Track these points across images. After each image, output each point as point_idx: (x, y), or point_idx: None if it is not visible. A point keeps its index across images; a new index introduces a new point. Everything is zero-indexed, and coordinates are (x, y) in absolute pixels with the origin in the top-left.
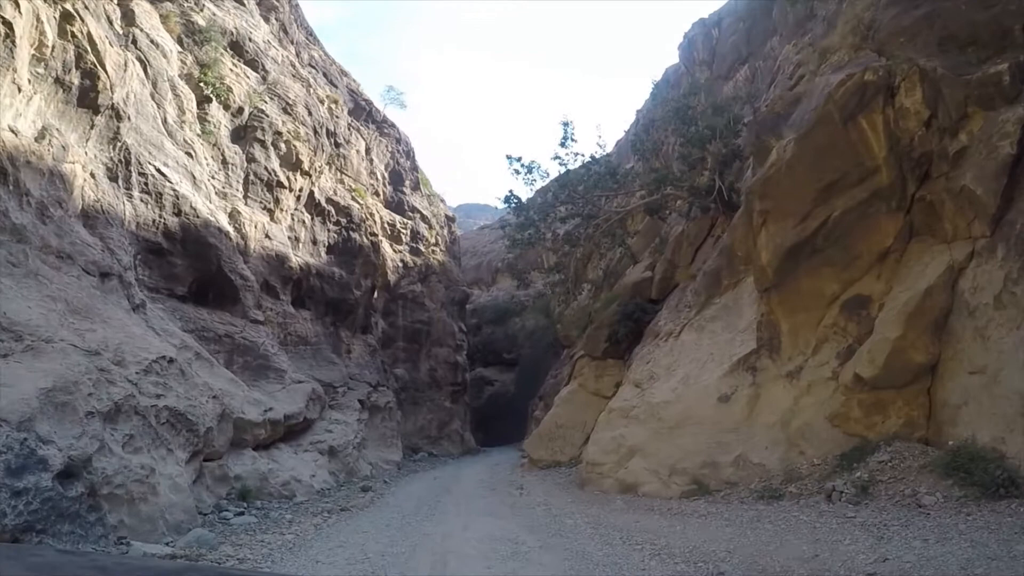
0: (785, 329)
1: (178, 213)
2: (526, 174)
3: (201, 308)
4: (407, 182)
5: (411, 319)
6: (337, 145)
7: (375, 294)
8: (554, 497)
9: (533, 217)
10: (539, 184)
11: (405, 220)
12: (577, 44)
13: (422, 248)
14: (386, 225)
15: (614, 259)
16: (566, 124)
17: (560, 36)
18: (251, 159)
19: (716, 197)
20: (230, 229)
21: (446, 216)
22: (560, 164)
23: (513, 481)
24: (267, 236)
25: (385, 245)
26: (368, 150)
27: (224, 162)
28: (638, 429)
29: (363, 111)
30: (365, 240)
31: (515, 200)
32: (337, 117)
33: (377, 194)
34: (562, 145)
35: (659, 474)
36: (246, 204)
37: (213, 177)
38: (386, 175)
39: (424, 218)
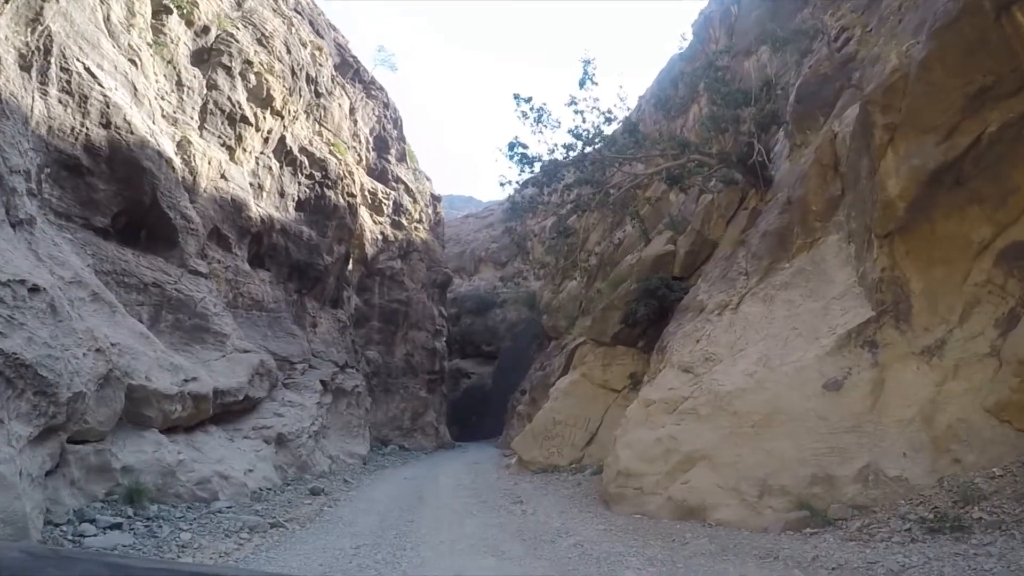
0: (917, 289)
1: (107, 124)
2: (535, 121)
3: (126, 248)
4: (392, 151)
5: (388, 297)
6: (318, 95)
7: (349, 264)
8: (575, 520)
9: (539, 177)
10: (548, 135)
11: (388, 190)
12: (576, 45)
13: (404, 222)
14: (367, 192)
15: (612, 244)
16: (586, 63)
17: (560, 36)
18: (212, 86)
19: (754, 163)
20: (175, 158)
21: (431, 195)
22: (576, 112)
23: (505, 489)
24: (223, 177)
25: (364, 213)
26: (352, 110)
27: (179, 83)
28: (698, 428)
29: (350, 68)
30: (341, 200)
31: (520, 149)
32: (320, 65)
33: (360, 159)
34: (581, 86)
35: (741, 493)
36: (201, 136)
37: (163, 98)
38: (370, 140)
39: (409, 191)
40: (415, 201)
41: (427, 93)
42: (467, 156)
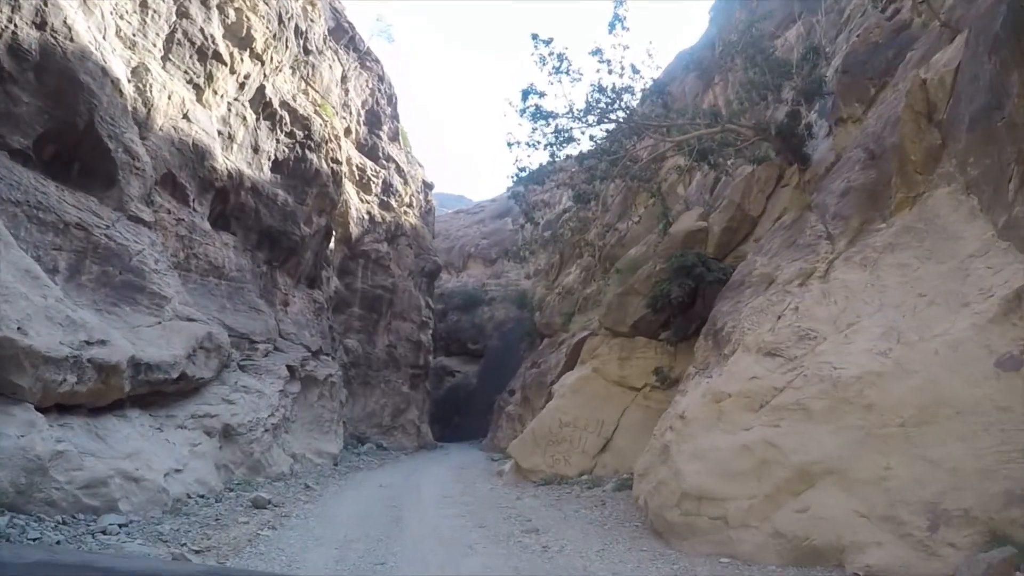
0: None
1: (41, 25)
2: (554, 70)
3: (49, 180)
4: (385, 128)
5: (372, 283)
6: (307, 52)
7: (331, 243)
8: (628, 567)
9: (552, 138)
10: (567, 88)
11: (378, 168)
12: (577, 45)
13: (393, 204)
14: (355, 167)
15: (615, 236)
16: (618, 2)
17: (561, 36)
18: (183, 14)
19: (795, 137)
20: (125, 84)
21: (424, 181)
22: (601, 61)
23: (507, 507)
24: (186, 117)
25: (351, 189)
26: (344, 78)
27: (144, 4)
28: (810, 429)
29: (344, 34)
30: (325, 165)
31: (535, 99)
32: (312, 21)
33: (349, 131)
34: (610, 30)
35: (900, 524)
36: (163, 68)
37: (121, 16)
38: (362, 113)
39: (400, 171)
40: (406, 183)
41: (427, 93)
42: (466, 156)
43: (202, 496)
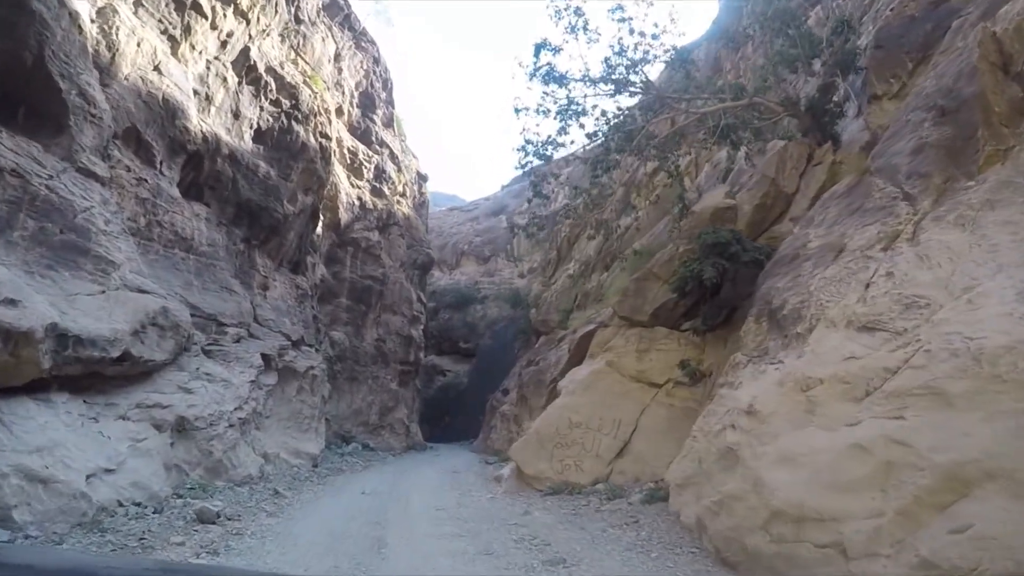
0: None
1: None
2: (569, 27)
3: None
4: (379, 112)
5: (361, 272)
6: (298, 21)
7: (318, 226)
8: None
9: (565, 105)
10: (582, 47)
11: (370, 153)
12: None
13: (386, 191)
14: (346, 150)
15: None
16: None
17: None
18: None
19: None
20: (87, 19)
21: (418, 173)
22: (621, 20)
23: (516, 525)
24: (157, 69)
25: (341, 172)
26: (338, 57)
27: None
28: (952, 419)
29: (340, 11)
30: (312, 140)
31: (549, 57)
32: None
33: (341, 112)
34: None
35: None
36: (135, 13)
37: None
38: (355, 94)
39: (394, 157)
40: (400, 171)
41: (425, 93)
42: (464, 156)
43: (138, 504)
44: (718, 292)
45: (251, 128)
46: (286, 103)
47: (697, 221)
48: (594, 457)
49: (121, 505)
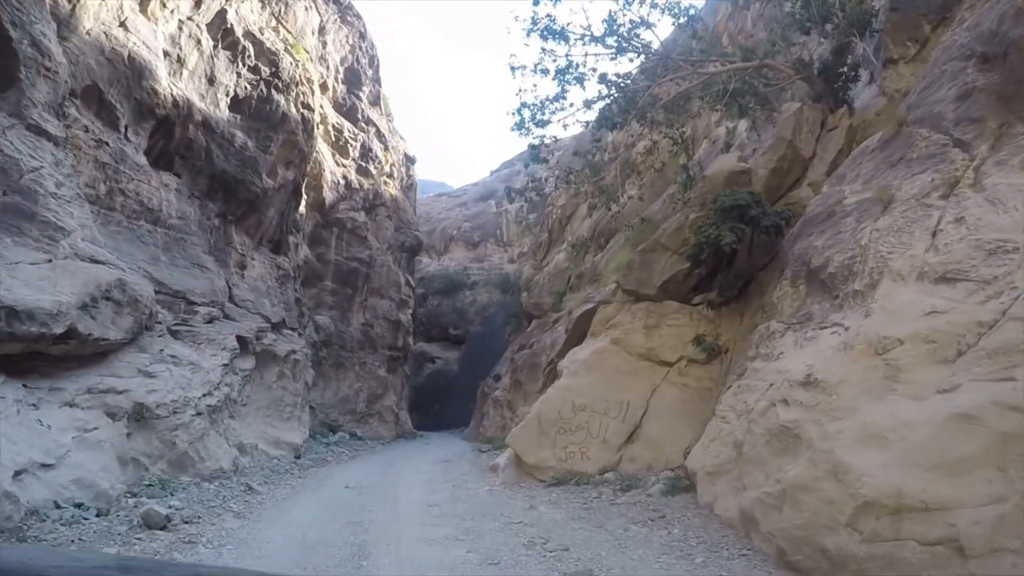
0: None
1: None
2: None
3: None
4: (365, 89)
5: (347, 254)
6: None
7: (300, 205)
8: None
9: (564, 65)
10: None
11: (356, 131)
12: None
13: (372, 170)
14: (331, 127)
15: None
16: None
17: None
18: None
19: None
20: None
21: (405, 155)
22: None
23: (524, 524)
24: (123, 25)
25: (325, 150)
26: (322, 30)
27: None
28: None
29: None
30: (294, 110)
31: (549, 6)
32: None
33: (326, 87)
34: None
35: None
36: None
37: None
38: (340, 70)
39: (380, 136)
40: (387, 150)
41: (424, 91)
42: (465, 155)
43: (79, 506)
44: (732, 262)
45: (227, 96)
46: (266, 71)
47: (710, 186)
48: (601, 443)
49: (58, 507)
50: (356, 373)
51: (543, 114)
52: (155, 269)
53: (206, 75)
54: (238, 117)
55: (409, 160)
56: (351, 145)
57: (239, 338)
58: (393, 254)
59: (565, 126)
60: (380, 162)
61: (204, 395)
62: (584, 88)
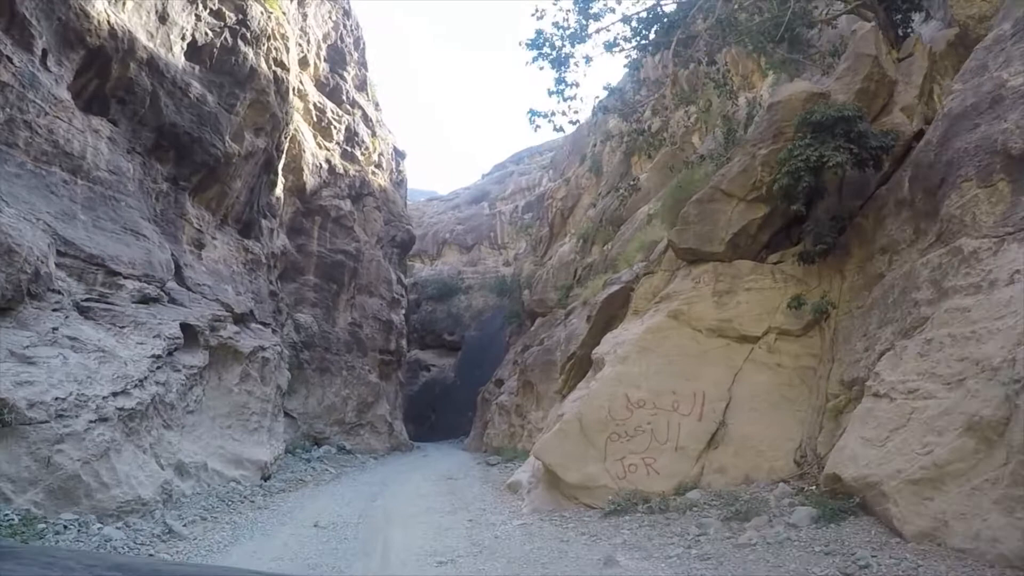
0: None
1: None
2: None
3: None
4: (350, 71)
5: (331, 246)
6: None
7: (276, 185)
8: None
9: None
10: None
11: (340, 112)
12: None
13: (359, 156)
14: (312, 106)
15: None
16: None
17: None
18: None
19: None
20: None
21: (395, 148)
22: None
23: None
24: None
25: (307, 131)
26: (302, 2)
27: None
28: None
29: None
30: (264, 66)
31: None
32: None
33: (306, 63)
34: None
35: None
36: None
37: None
38: (323, 46)
39: (368, 120)
40: (375, 136)
41: (430, 92)
42: (469, 155)
43: None
44: (806, 212)
45: (183, 40)
46: (231, 17)
47: (784, 112)
48: (673, 450)
49: None
50: (343, 379)
51: (562, 48)
52: (65, 227)
53: (156, 10)
54: (196, 68)
55: (399, 154)
56: (335, 127)
57: (185, 326)
58: (383, 249)
59: (550, 148)
60: (367, 148)
61: (114, 394)
62: (605, 22)
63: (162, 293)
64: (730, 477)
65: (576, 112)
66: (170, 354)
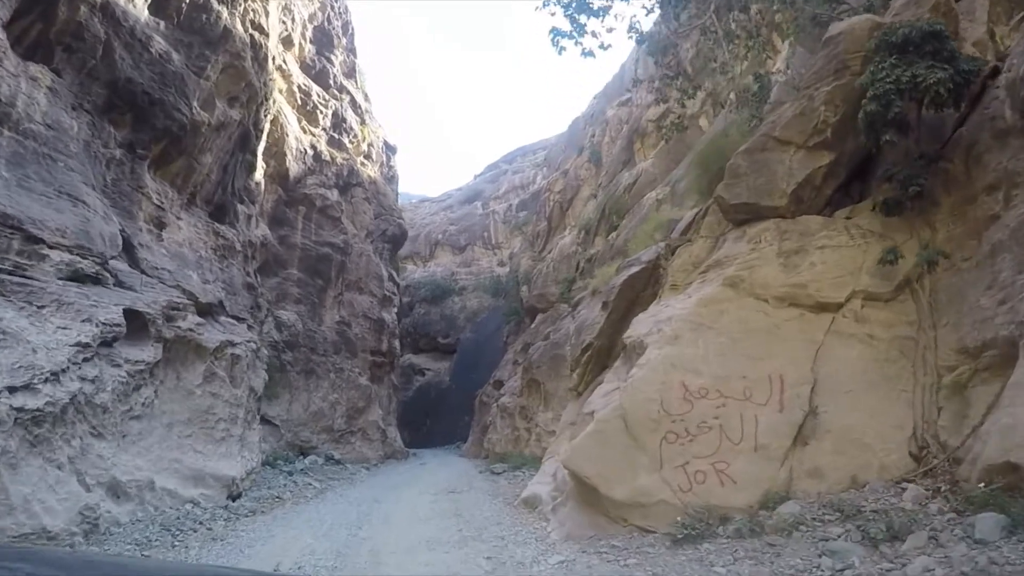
0: None
1: None
2: None
3: None
4: (338, 56)
5: (317, 238)
6: None
7: (256, 170)
8: None
9: None
10: None
11: (327, 97)
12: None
13: (347, 144)
14: (297, 88)
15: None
16: None
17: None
18: None
19: None
20: None
21: (385, 143)
22: None
23: None
24: None
25: (290, 115)
26: None
27: None
28: None
29: None
30: (240, 28)
31: None
32: None
33: (291, 43)
34: None
35: None
36: None
37: None
38: (308, 27)
39: (356, 107)
40: (363, 123)
41: (430, 93)
42: (468, 155)
43: None
44: (876, 158)
45: None
46: None
47: (849, 42)
48: (751, 451)
49: None
50: (331, 382)
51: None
52: None
53: None
54: (162, 24)
55: (390, 148)
56: (321, 111)
57: (131, 313)
58: (373, 243)
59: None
60: (356, 137)
61: (10, 389)
62: None
63: (104, 272)
64: (830, 481)
65: (610, 32)
66: (107, 344)
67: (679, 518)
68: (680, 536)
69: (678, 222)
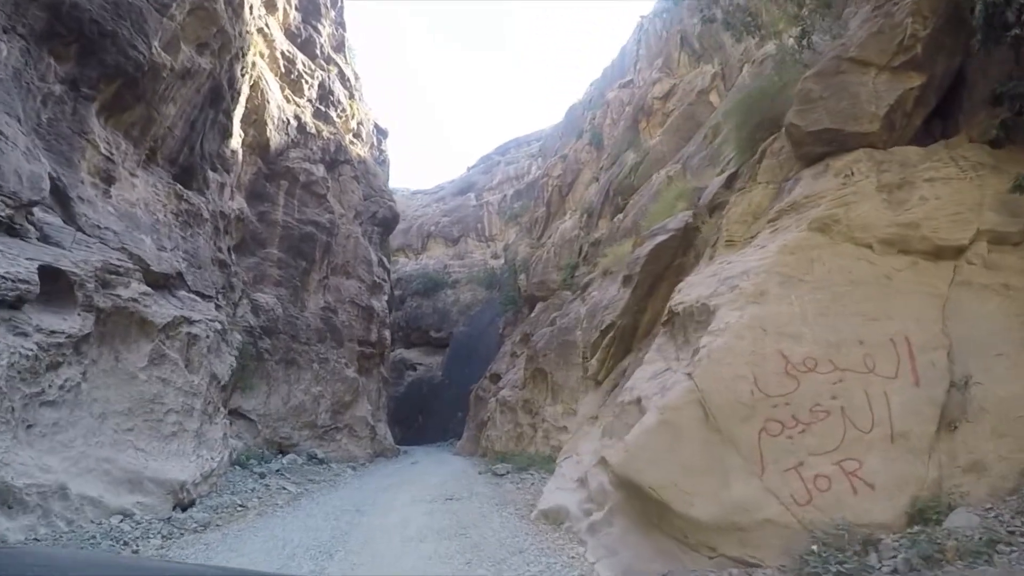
0: None
1: None
2: None
3: None
4: (326, 27)
5: (300, 216)
6: None
7: (232, 136)
8: None
9: None
10: None
11: (314, 67)
12: (583, 45)
13: (335, 117)
14: (280, 55)
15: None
16: None
17: (566, 36)
18: None
19: None
20: None
21: (376, 126)
22: None
23: None
24: None
25: (272, 82)
26: None
27: None
28: None
29: None
30: None
31: None
32: None
33: (273, 6)
34: None
35: None
36: None
37: None
38: None
39: (345, 80)
40: (352, 98)
41: (429, 93)
42: (467, 155)
43: None
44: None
45: None
46: None
47: None
48: (887, 440)
49: None
50: (315, 373)
51: None
52: None
53: None
54: None
55: (381, 132)
56: (306, 81)
57: (50, 272)
58: (362, 225)
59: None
60: (345, 110)
61: None
62: None
63: (24, 223)
64: (994, 475)
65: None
66: (11, 307)
67: (816, 548)
68: (808, 574)
69: (703, 190)
